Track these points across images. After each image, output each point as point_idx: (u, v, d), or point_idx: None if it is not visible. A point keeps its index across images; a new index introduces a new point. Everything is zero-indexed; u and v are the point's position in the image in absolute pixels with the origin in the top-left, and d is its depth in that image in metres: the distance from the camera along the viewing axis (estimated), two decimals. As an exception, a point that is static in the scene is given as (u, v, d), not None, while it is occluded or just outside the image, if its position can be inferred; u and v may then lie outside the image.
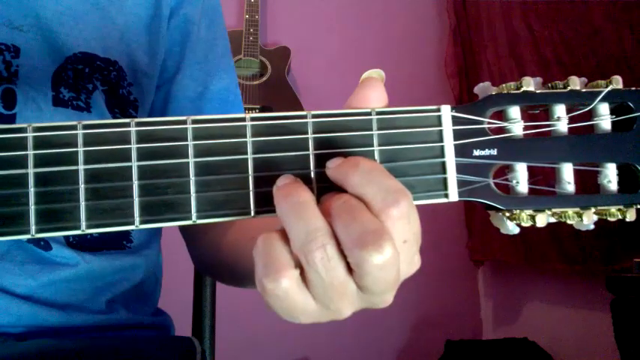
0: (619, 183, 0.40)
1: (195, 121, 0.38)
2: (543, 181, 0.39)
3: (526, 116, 0.40)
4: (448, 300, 2.38)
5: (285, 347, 2.19)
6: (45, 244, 0.59)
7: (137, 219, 0.37)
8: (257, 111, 2.10)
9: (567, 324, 2.00)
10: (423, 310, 2.34)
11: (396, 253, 0.33)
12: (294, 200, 0.34)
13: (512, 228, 0.39)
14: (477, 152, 0.39)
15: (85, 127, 0.37)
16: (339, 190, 0.36)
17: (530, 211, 0.39)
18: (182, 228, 0.76)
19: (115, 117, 0.66)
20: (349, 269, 0.34)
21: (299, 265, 0.34)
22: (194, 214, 0.37)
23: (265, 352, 2.16)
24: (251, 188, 0.38)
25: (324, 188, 0.37)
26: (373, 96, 0.39)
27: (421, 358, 2.29)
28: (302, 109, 2.15)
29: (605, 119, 0.40)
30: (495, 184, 0.39)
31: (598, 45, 1.81)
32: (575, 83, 0.39)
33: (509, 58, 2.15)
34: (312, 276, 0.34)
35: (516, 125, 0.39)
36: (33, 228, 0.36)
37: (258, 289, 0.35)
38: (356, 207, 0.34)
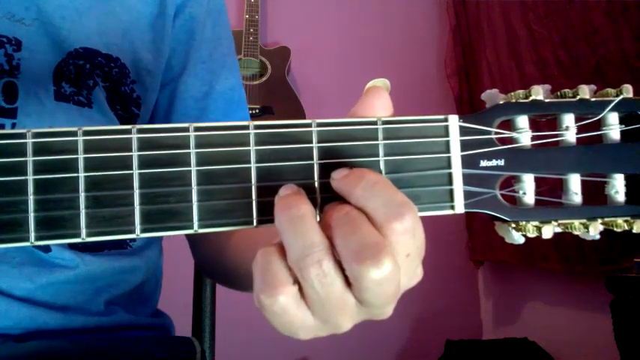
0: (626, 194, 0.39)
1: (197, 129, 0.37)
2: (550, 191, 0.39)
3: (533, 124, 0.39)
4: (448, 300, 2.38)
5: (285, 347, 2.19)
6: (44, 246, 0.59)
7: (138, 227, 0.37)
8: (257, 111, 2.10)
9: (567, 324, 2.00)
10: (423, 310, 2.34)
11: (396, 267, 0.32)
12: (293, 213, 0.34)
13: (517, 238, 0.39)
14: (484, 163, 0.38)
15: (86, 133, 0.36)
16: (344, 199, 0.36)
17: (536, 223, 0.38)
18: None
19: (116, 114, 0.66)
20: (348, 283, 0.33)
21: (297, 281, 0.34)
22: (196, 223, 0.37)
23: (265, 351, 2.16)
24: (254, 197, 0.37)
25: (328, 198, 0.37)
26: (378, 105, 0.38)
27: (421, 358, 2.29)
28: (302, 110, 2.15)
29: (614, 129, 0.39)
30: (502, 194, 0.38)
31: (598, 45, 1.81)
32: (585, 92, 0.39)
33: (509, 58, 2.15)
34: (308, 291, 0.33)
35: (524, 135, 0.39)
36: (32, 235, 0.36)
37: (256, 304, 0.35)
38: (357, 220, 0.33)
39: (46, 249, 0.59)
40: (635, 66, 1.68)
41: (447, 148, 0.38)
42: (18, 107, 0.58)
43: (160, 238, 0.76)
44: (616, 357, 1.40)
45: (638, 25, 1.69)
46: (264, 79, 2.19)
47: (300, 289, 0.34)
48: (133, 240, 0.67)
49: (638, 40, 1.69)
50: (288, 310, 0.34)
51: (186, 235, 0.76)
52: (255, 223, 0.37)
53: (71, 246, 0.61)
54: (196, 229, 0.37)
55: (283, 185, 0.36)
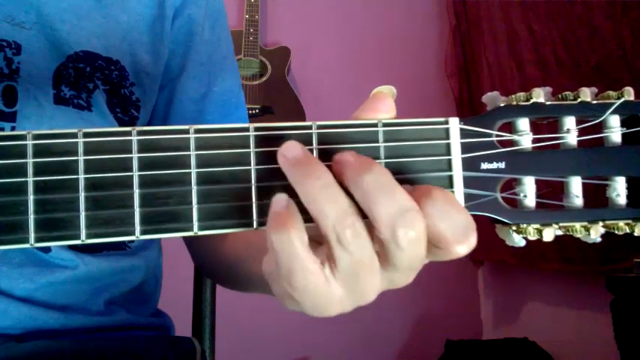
0: (628, 197, 0.39)
1: (197, 131, 0.37)
2: (551, 193, 0.38)
3: (534, 127, 0.39)
4: (448, 300, 2.38)
5: (285, 346, 2.19)
6: (44, 247, 0.59)
7: (138, 229, 0.36)
8: (257, 111, 2.10)
9: (567, 324, 2.00)
10: (423, 310, 2.34)
11: (426, 226, 0.34)
12: (322, 182, 0.34)
13: (518, 241, 0.39)
14: (484, 165, 0.38)
15: (86, 135, 0.36)
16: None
17: (537, 225, 0.38)
18: None
19: (116, 117, 0.66)
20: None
21: (324, 252, 0.35)
22: (195, 225, 0.37)
23: (265, 351, 2.16)
24: (254, 200, 0.37)
25: None
26: (382, 109, 0.38)
27: (421, 358, 2.29)
28: (302, 110, 2.15)
29: (615, 132, 0.39)
30: (502, 197, 0.38)
31: (598, 45, 1.81)
32: (586, 94, 0.39)
33: (509, 58, 2.15)
34: (341, 256, 0.34)
35: (525, 138, 0.39)
36: (32, 237, 0.36)
37: (286, 287, 0.35)
38: (391, 182, 0.34)
39: (46, 249, 0.59)
40: (635, 66, 1.68)
41: (447, 150, 0.38)
42: (17, 111, 0.57)
43: (159, 239, 0.76)
44: (616, 357, 1.40)
45: (638, 25, 1.69)
46: (264, 79, 2.19)
47: (329, 260, 0.35)
48: (132, 241, 0.67)
49: (638, 40, 1.69)
50: (318, 285, 0.35)
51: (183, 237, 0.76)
52: (255, 225, 0.37)
53: (71, 246, 0.61)
54: (196, 231, 0.37)
55: (285, 144, 0.36)
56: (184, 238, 0.77)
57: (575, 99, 0.39)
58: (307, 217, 0.35)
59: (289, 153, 0.36)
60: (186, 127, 0.37)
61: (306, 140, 0.37)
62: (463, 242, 0.34)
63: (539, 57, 2.03)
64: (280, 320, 2.07)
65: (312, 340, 2.20)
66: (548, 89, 0.39)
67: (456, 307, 2.39)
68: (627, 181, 0.39)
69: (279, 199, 0.35)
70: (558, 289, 2.07)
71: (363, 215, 0.34)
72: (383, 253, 0.35)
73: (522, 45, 2.10)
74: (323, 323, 2.15)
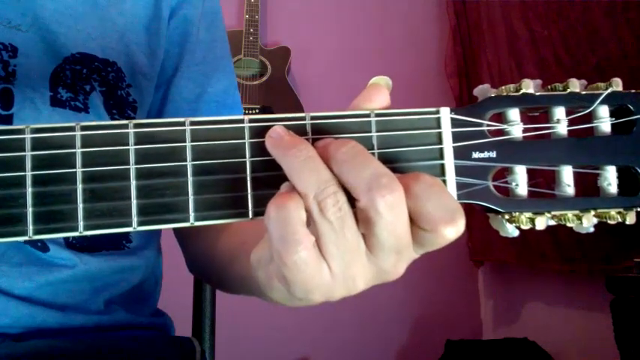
0: (619, 186, 0.39)
1: (193, 123, 0.38)
2: (543, 183, 0.39)
3: (526, 118, 0.40)
4: (448, 300, 2.38)
5: (284, 346, 2.19)
6: (42, 245, 0.59)
7: (135, 221, 0.37)
8: (257, 111, 2.10)
9: (567, 324, 2.00)
10: (423, 310, 2.34)
11: (404, 195, 0.35)
12: (305, 154, 0.36)
13: (511, 231, 0.39)
14: (476, 154, 0.39)
15: (83, 128, 0.37)
16: None
17: (529, 214, 0.39)
18: (177, 232, 0.76)
19: (113, 118, 0.66)
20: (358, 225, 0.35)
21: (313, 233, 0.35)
22: (192, 216, 0.37)
23: (265, 351, 2.16)
24: (249, 190, 0.38)
25: None
26: (376, 100, 0.39)
27: (421, 358, 2.29)
28: (302, 109, 2.15)
29: (604, 122, 0.39)
30: (495, 186, 0.39)
31: (598, 45, 1.81)
32: (575, 85, 0.39)
33: (509, 58, 2.15)
34: (324, 229, 0.35)
35: (516, 127, 0.39)
36: (30, 229, 0.36)
37: (276, 261, 0.36)
38: (364, 154, 0.36)
39: (45, 248, 0.59)
40: (636, 66, 1.68)
41: (439, 139, 0.39)
42: (14, 113, 0.58)
43: (158, 238, 0.76)
44: (616, 357, 1.40)
45: (638, 25, 1.69)
46: (264, 79, 2.20)
47: (317, 239, 0.35)
48: (130, 241, 0.67)
49: (638, 40, 1.69)
50: (309, 261, 0.35)
51: (177, 236, 0.76)
52: (250, 215, 0.38)
53: (69, 246, 0.61)
54: (192, 221, 0.37)
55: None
56: (178, 237, 0.77)
57: (564, 90, 0.39)
58: None
59: (274, 134, 0.37)
60: (181, 119, 0.38)
61: (300, 131, 0.38)
62: (451, 223, 0.35)
63: (539, 57, 2.03)
64: (280, 320, 2.08)
65: (312, 340, 2.20)
66: (538, 81, 0.39)
67: (456, 307, 2.39)
68: (617, 171, 0.40)
69: (285, 184, 0.36)
70: (558, 289, 2.07)
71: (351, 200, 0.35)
72: (367, 233, 0.35)
73: (522, 45, 2.09)
74: (323, 323, 2.15)
